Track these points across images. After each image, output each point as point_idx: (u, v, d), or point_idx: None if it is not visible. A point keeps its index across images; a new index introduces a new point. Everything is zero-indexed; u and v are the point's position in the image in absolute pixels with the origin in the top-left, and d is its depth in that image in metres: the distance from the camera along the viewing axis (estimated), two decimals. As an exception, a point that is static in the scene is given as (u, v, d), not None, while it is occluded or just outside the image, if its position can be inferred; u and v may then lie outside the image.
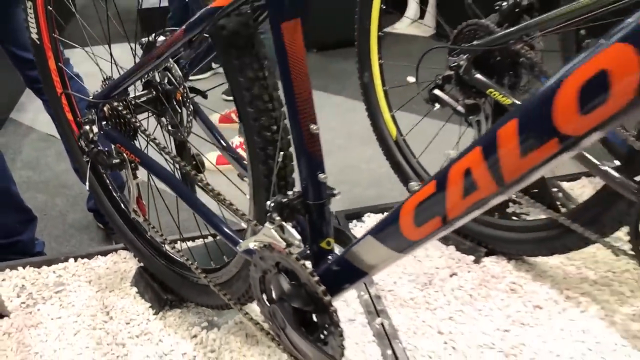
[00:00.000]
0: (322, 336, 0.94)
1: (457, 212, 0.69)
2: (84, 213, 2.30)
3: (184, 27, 0.94)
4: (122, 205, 1.54)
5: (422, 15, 4.35)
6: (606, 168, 1.16)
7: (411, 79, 1.44)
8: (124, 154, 1.24)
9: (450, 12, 1.62)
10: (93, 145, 1.25)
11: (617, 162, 1.18)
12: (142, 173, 1.25)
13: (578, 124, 0.54)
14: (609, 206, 1.20)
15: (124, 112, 1.20)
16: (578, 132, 0.55)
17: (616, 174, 1.14)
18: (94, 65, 1.34)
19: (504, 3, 1.34)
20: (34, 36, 1.47)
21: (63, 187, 2.52)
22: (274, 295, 0.99)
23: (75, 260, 1.65)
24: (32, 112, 3.33)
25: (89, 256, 1.66)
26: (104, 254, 1.67)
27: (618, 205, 1.18)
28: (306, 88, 0.88)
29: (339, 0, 3.57)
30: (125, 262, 1.63)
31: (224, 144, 1.24)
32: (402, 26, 4.25)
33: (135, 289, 1.51)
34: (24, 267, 1.64)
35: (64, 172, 2.59)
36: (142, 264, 1.54)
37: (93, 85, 1.35)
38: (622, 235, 1.35)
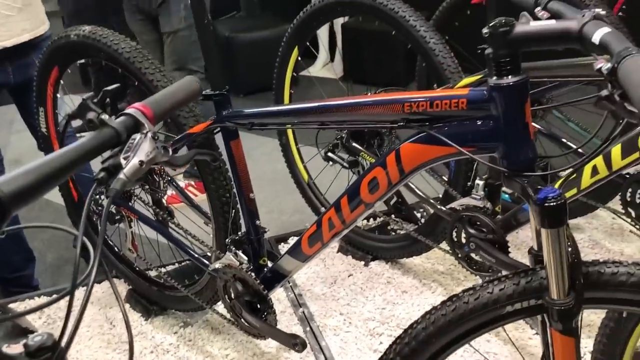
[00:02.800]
0: (263, 315, 1.60)
1: (327, 239, 1.37)
2: (59, 253, 2.81)
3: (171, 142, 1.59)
4: (114, 246, 2.14)
5: (332, 58, 5.06)
6: (431, 200, 1.88)
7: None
8: (123, 212, 1.86)
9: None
10: (101, 208, 1.86)
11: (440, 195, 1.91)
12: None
13: (368, 197, 1.22)
14: (438, 223, 1.92)
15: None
16: (369, 200, 1.23)
17: (436, 204, 1.86)
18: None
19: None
20: (43, 130, 2.05)
21: (36, 232, 3.00)
22: (232, 295, 1.64)
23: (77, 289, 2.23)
24: None
25: (84, 284, 2.24)
26: (99, 282, 2.26)
27: (442, 223, 1.89)
28: (245, 173, 1.54)
29: (262, 52, 4.26)
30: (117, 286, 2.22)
31: (193, 202, 1.88)
32: (315, 70, 4.94)
33: (128, 305, 2.12)
34: (39, 297, 2.20)
35: (35, 220, 3.08)
36: (131, 287, 2.14)
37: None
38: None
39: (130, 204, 1.86)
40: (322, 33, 4.59)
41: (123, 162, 0.75)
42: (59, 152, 0.70)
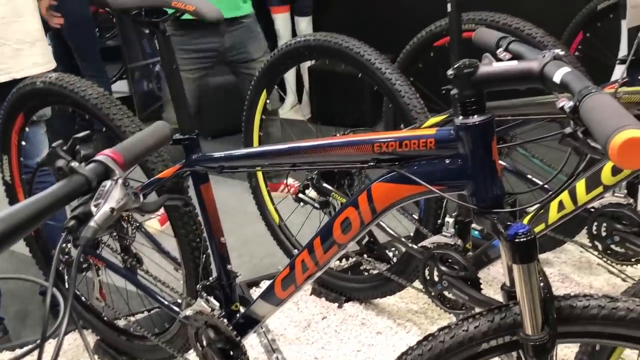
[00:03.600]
0: (237, 362, 1.57)
1: (300, 282, 1.35)
2: (23, 304, 2.72)
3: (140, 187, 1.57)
4: (81, 296, 2.08)
5: (300, 99, 5.12)
6: (403, 239, 1.88)
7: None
8: (90, 260, 1.82)
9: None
10: (68, 256, 1.82)
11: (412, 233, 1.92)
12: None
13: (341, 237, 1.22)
14: (410, 262, 1.93)
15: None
16: (342, 241, 1.22)
17: (408, 243, 1.86)
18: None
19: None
20: (7, 178, 2.01)
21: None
22: (205, 342, 1.60)
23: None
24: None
25: (54, 336, 2.17)
26: (66, 333, 2.19)
27: (414, 261, 1.90)
28: (216, 217, 1.53)
29: (229, 95, 4.30)
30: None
31: (162, 248, 1.85)
32: (283, 112, 4.99)
33: (96, 356, 2.05)
34: (2, 352, 2.12)
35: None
36: (99, 337, 2.08)
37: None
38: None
39: (97, 251, 1.83)
40: (289, 75, 4.65)
41: (94, 209, 0.74)
42: (28, 201, 0.68)
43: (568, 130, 0.76)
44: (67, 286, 1.77)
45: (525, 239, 0.92)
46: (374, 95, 3.99)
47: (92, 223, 0.73)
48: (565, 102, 0.76)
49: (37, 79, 1.72)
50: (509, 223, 0.95)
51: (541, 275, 0.97)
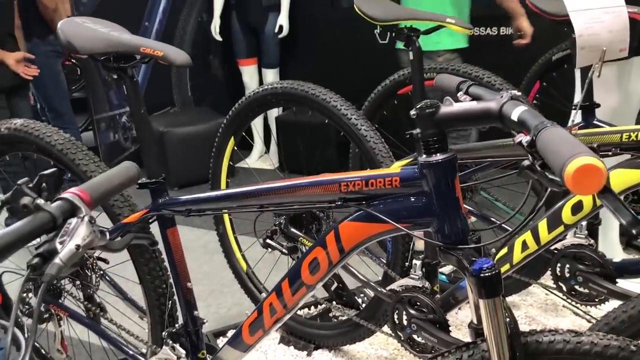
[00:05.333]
0: (204, 413, 1.52)
1: (268, 326, 1.34)
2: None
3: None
4: (41, 348, 2.01)
5: (268, 149, 5.16)
6: (372, 282, 1.88)
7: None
8: (52, 309, 1.76)
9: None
10: (29, 307, 1.76)
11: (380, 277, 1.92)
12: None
13: (309, 279, 1.22)
14: (379, 306, 1.92)
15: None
16: (310, 282, 1.22)
17: (376, 287, 1.87)
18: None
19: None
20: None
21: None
22: (171, 393, 1.56)
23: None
24: None
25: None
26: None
27: (383, 305, 1.89)
28: (182, 262, 1.51)
29: (196, 145, 4.31)
30: (42, 393, 2.07)
31: (127, 296, 1.81)
32: (251, 161, 5.00)
33: (56, 412, 1.96)
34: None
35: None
36: (59, 392, 2.00)
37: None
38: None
39: (59, 300, 1.78)
40: (257, 126, 4.70)
41: (59, 246, 0.73)
42: (-10, 237, 0.67)
43: (526, 163, 0.79)
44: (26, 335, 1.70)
45: (489, 274, 0.94)
46: (339, 143, 4.06)
47: (57, 260, 0.72)
48: (522, 137, 0.80)
49: (2, 125, 1.71)
50: (473, 259, 0.97)
51: (507, 311, 0.98)
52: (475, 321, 1.03)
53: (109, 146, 4.98)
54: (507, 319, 0.98)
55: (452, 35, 2.92)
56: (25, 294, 1.76)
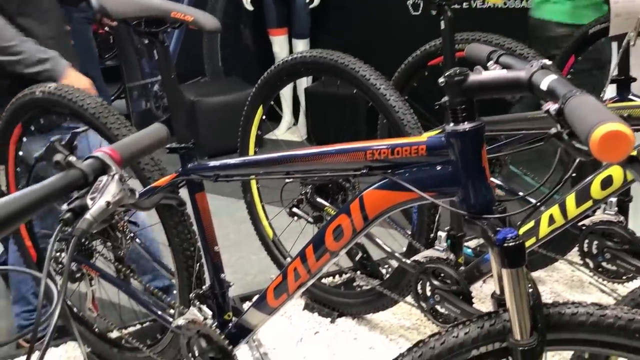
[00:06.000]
0: (229, 372, 1.56)
1: (292, 290, 1.36)
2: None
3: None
4: (73, 307, 2.08)
5: (296, 121, 5.16)
6: (396, 253, 1.89)
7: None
8: (83, 269, 1.82)
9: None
10: (62, 265, 1.82)
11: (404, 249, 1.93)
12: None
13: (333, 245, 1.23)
14: (402, 277, 1.93)
15: (85, 241, 1.79)
16: (334, 248, 1.23)
17: (400, 257, 1.87)
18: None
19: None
20: (3, 188, 2.02)
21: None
22: (196, 352, 1.60)
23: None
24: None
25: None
26: (55, 346, 2.17)
27: (407, 276, 1.91)
28: (210, 226, 1.54)
29: (226, 115, 4.34)
30: (74, 350, 2.15)
31: (156, 258, 1.86)
32: (280, 132, 5.02)
33: (88, 368, 2.04)
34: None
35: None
36: (90, 349, 2.07)
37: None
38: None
39: (91, 261, 1.83)
40: (286, 97, 4.69)
41: (89, 202, 0.75)
42: (24, 191, 0.70)
43: (553, 130, 0.78)
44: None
45: (513, 244, 0.93)
46: (368, 115, 4.04)
47: (87, 215, 0.75)
48: (551, 106, 0.79)
49: (36, 89, 1.74)
50: (498, 228, 0.96)
51: (530, 282, 0.98)
52: (497, 292, 1.03)
53: (140, 114, 5.04)
54: (530, 290, 0.97)
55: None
56: (58, 253, 1.81)
